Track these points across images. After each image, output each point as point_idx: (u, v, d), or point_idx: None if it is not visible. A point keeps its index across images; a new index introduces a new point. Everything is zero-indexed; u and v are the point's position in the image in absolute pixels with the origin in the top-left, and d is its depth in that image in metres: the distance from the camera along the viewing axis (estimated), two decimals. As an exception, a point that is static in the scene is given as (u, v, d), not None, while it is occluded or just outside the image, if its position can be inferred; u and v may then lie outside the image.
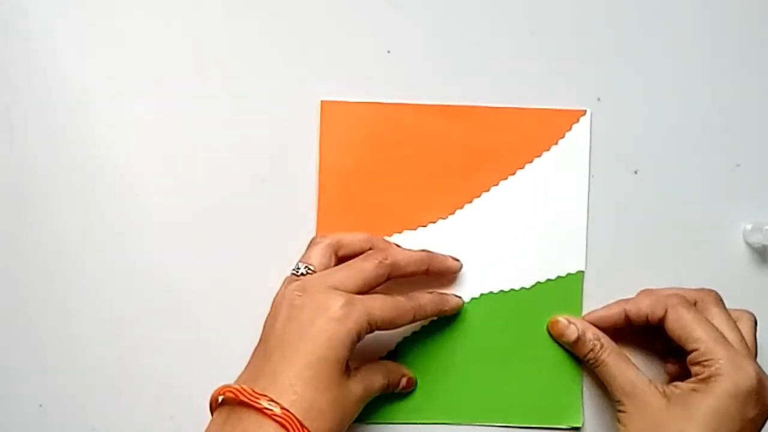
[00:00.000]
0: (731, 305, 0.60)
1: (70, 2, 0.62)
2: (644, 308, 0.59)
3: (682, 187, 0.63)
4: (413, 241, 0.62)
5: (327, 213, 0.62)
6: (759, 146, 0.63)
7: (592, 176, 0.63)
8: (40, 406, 0.62)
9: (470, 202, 0.62)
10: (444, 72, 0.63)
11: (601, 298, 0.62)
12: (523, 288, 0.62)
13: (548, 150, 0.62)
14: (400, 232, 0.62)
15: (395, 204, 0.62)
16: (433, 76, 0.63)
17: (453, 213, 0.62)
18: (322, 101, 0.62)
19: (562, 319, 0.61)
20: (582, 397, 0.62)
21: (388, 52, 0.63)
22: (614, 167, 0.63)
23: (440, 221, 0.62)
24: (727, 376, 0.54)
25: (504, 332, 0.62)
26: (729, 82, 0.63)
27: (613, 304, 0.61)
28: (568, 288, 0.62)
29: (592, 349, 0.59)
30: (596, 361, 0.59)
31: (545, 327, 0.62)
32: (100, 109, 0.62)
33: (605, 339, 0.59)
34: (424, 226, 0.62)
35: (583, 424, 0.62)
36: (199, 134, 0.62)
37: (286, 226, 0.62)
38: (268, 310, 0.57)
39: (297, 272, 0.58)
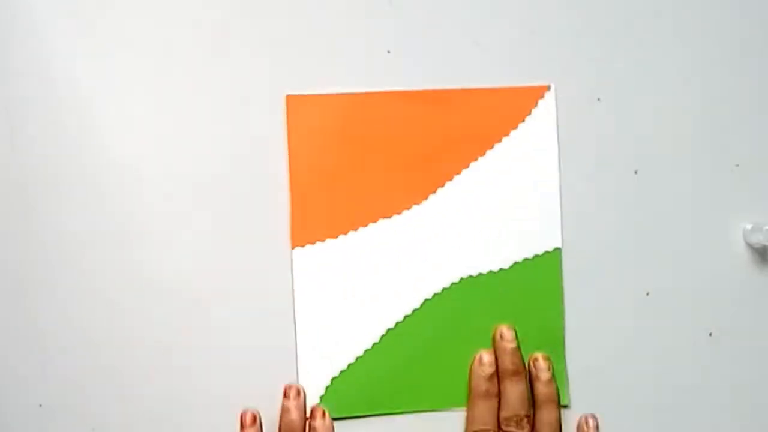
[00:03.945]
0: (732, 305, 0.61)
1: (69, 3, 0.62)
2: None
3: (682, 187, 0.63)
4: (389, 229, 0.62)
5: (300, 208, 0.62)
6: (759, 146, 0.63)
7: (593, 176, 0.63)
8: (40, 406, 0.62)
9: (443, 186, 0.62)
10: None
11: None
12: (501, 269, 0.62)
13: (516, 128, 0.62)
14: (375, 221, 0.62)
15: (369, 194, 0.62)
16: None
17: (426, 198, 0.62)
18: (287, 95, 0.62)
19: None
20: (567, 377, 0.62)
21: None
22: (614, 167, 0.62)
23: (415, 207, 0.62)
24: None
25: (486, 314, 0.62)
26: (729, 82, 0.63)
27: None
28: (547, 265, 0.62)
29: None
30: None
31: (527, 305, 0.62)
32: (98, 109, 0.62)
33: None
34: (399, 214, 0.62)
35: (569, 403, 0.62)
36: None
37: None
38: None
39: None
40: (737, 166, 0.63)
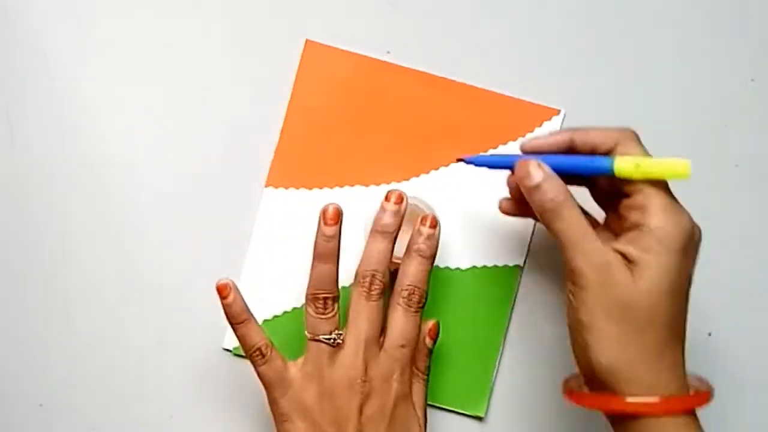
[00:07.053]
0: (736, 306, 0.60)
1: (69, 3, 0.62)
2: (593, 138, 0.54)
3: (682, 186, 0.62)
4: (363, 197, 0.62)
5: (285, 151, 0.62)
6: (759, 146, 0.63)
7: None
8: (40, 406, 0.62)
9: (427, 173, 0.62)
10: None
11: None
12: (458, 268, 0.62)
13: (515, 141, 0.62)
14: (351, 186, 0.62)
15: (354, 158, 0.62)
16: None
17: (408, 179, 0.62)
18: (306, 40, 0.62)
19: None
20: (491, 389, 0.62)
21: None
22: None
23: (394, 184, 0.62)
24: None
25: (433, 307, 0.61)
26: (729, 81, 0.63)
27: (559, 132, 0.55)
28: (502, 279, 0.62)
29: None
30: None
31: (472, 311, 0.62)
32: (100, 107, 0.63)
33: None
34: (377, 186, 0.62)
35: (486, 415, 0.62)
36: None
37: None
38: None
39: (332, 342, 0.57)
40: (737, 166, 0.63)
